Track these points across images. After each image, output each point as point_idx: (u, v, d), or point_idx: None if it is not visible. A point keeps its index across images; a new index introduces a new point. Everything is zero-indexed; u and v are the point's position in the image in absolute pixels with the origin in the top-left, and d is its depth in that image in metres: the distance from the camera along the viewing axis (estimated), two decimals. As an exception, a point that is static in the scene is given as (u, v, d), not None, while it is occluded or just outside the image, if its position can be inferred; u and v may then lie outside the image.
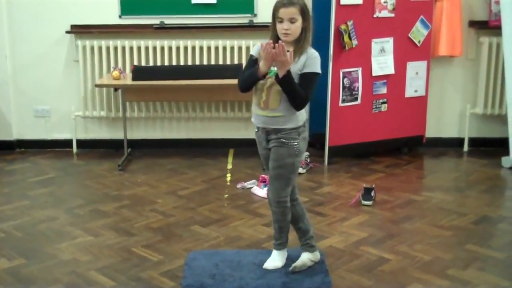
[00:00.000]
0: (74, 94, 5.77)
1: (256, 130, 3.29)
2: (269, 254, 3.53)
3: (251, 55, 3.23)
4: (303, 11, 3.07)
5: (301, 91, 3.06)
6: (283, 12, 3.04)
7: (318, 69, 3.12)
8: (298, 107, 3.12)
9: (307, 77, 3.09)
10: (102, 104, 5.77)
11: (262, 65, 3.05)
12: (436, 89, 5.75)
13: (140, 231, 3.99)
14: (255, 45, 3.23)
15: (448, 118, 5.86)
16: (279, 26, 3.08)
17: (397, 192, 4.67)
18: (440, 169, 5.35)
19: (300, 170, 5.12)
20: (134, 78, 5.18)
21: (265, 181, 4.44)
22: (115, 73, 5.25)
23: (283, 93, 3.08)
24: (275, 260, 3.40)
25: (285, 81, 3.02)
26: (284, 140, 3.17)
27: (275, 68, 3.05)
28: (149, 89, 5.26)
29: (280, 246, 3.41)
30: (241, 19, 5.51)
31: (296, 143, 3.18)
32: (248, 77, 3.17)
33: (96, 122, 5.89)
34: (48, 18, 5.63)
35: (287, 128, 3.16)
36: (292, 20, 3.05)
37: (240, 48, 5.58)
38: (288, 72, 3.01)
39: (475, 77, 5.74)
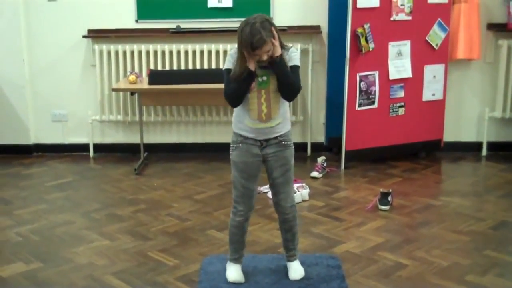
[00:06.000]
0: (91, 98, 5.80)
1: (242, 138, 3.19)
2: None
3: (228, 69, 3.11)
4: (272, 36, 2.99)
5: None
6: (258, 53, 2.98)
7: (299, 63, 3.16)
8: (291, 94, 3.13)
9: (292, 70, 3.11)
10: (118, 108, 5.79)
11: (251, 65, 3.02)
12: (454, 92, 5.70)
13: (156, 235, 3.99)
14: (227, 61, 3.13)
15: (466, 122, 5.81)
16: (257, 58, 3.01)
17: (414, 197, 4.63)
18: (458, 174, 5.31)
19: (317, 174, 5.11)
20: (150, 82, 5.19)
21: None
22: (132, 77, 5.27)
23: (279, 96, 3.11)
24: (300, 268, 3.34)
25: (281, 61, 3.02)
26: (284, 142, 3.19)
27: (264, 77, 3.08)
28: (165, 93, 5.27)
29: (296, 253, 3.37)
30: (257, 23, 5.51)
31: (292, 144, 3.24)
32: (241, 83, 3.05)
33: (113, 126, 5.91)
34: (65, 23, 5.67)
35: (285, 131, 3.20)
36: (268, 52, 3.01)
37: (256, 52, 5.57)
38: (281, 54, 3.03)
39: (494, 80, 5.68)
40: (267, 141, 3.18)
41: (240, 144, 3.20)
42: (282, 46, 3.08)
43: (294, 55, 3.13)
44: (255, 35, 2.93)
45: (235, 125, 3.23)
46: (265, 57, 3.01)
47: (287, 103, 3.20)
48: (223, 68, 3.18)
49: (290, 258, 3.36)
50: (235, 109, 3.21)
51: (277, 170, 3.20)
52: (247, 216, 3.28)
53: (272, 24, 3.02)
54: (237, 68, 3.05)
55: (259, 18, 3.00)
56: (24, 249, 3.80)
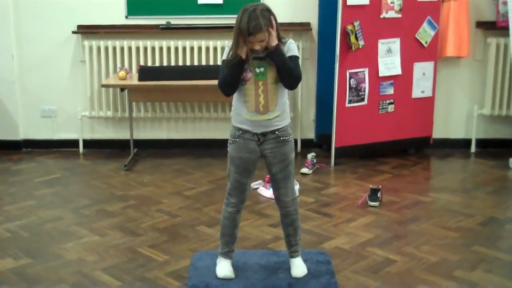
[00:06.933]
0: (81, 94, 5.78)
1: (240, 132, 3.18)
2: (275, 254, 3.54)
3: (224, 60, 3.12)
4: (269, 25, 2.98)
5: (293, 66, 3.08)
6: (252, 40, 2.97)
7: (298, 54, 3.15)
8: (292, 81, 3.10)
9: (292, 60, 3.09)
10: (108, 104, 5.77)
11: (242, 52, 3.00)
12: (443, 90, 5.72)
13: (146, 231, 3.98)
14: (224, 52, 3.12)
15: (455, 119, 5.84)
16: (250, 45, 3.00)
17: (403, 193, 4.65)
18: (447, 170, 5.33)
19: (306, 171, 5.12)
20: (140, 78, 5.18)
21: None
22: (122, 73, 5.25)
23: (277, 88, 3.09)
24: (302, 265, 3.33)
25: (277, 50, 3.00)
26: (283, 138, 3.17)
27: (262, 69, 3.07)
28: (155, 89, 5.26)
29: (299, 248, 3.37)
30: (247, 19, 5.50)
31: (292, 138, 3.23)
32: (231, 69, 3.05)
33: (103, 122, 5.89)
34: (54, 19, 5.64)
35: (284, 126, 3.18)
36: (261, 42, 3.00)
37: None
38: (278, 44, 3.02)
39: (483, 78, 5.72)
40: (265, 136, 3.16)
41: (237, 139, 3.19)
42: (280, 39, 3.06)
43: (292, 46, 3.12)
44: (252, 21, 2.93)
45: (233, 118, 3.21)
46: (257, 47, 3.00)
47: (286, 96, 3.17)
48: (223, 58, 3.16)
49: (293, 254, 3.35)
50: (234, 102, 3.19)
51: (276, 166, 3.19)
52: (239, 208, 3.28)
53: (271, 14, 3.02)
54: (230, 54, 3.05)
55: (261, 6, 3.00)
56: (13, 245, 3.79)
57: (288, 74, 3.07)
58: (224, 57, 3.12)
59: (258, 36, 2.96)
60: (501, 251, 3.66)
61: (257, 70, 3.08)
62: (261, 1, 5.49)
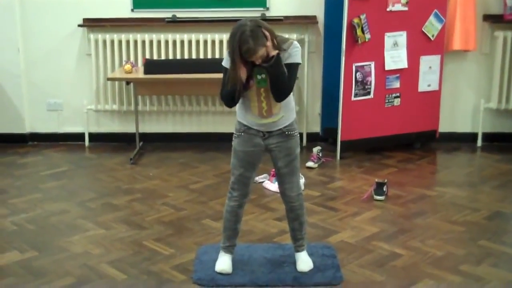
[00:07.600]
0: (87, 88, 5.78)
1: (245, 127, 3.16)
2: (280, 248, 3.54)
3: (226, 68, 3.06)
4: (264, 40, 2.92)
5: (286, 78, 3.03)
6: (251, 59, 2.94)
7: (300, 60, 3.09)
8: (282, 95, 3.05)
9: (290, 67, 3.03)
10: (114, 98, 5.77)
11: (242, 74, 2.98)
12: (450, 83, 5.70)
13: (151, 224, 3.99)
14: (225, 59, 3.07)
15: (461, 113, 5.81)
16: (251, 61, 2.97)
17: (409, 187, 4.64)
18: (453, 164, 5.31)
19: (312, 164, 5.11)
20: (146, 72, 5.18)
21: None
22: (127, 66, 5.25)
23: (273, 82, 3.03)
24: (308, 259, 3.33)
25: (275, 62, 2.94)
26: (288, 132, 3.16)
27: (263, 75, 3.04)
28: (161, 83, 5.26)
29: (304, 242, 3.36)
30: (253, 12, 5.47)
31: (297, 133, 3.21)
32: (232, 91, 3.02)
33: (108, 116, 5.90)
34: (60, 12, 5.64)
35: (289, 123, 3.17)
36: (261, 57, 2.96)
37: (252, 42, 5.55)
38: (278, 54, 2.97)
39: (489, 71, 5.69)
40: (270, 133, 3.16)
41: (242, 133, 3.19)
42: (279, 47, 2.98)
43: (294, 51, 3.04)
44: (244, 45, 2.88)
45: (239, 115, 3.20)
46: (259, 61, 2.96)
47: (291, 96, 3.14)
48: (222, 63, 3.10)
49: (298, 249, 3.35)
50: (238, 103, 3.16)
51: (282, 160, 3.19)
52: (241, 203, 3.27)
53: (262, 27, 2.94)
54: (230, 74, 2.99)
55: (249, 25, 2.92)
56: (19, 238, 3.80)
57: (278, 88, 3.02)
58: (224, 63, 3.06)
59: (255, 57, 2.93)
60: (507, 246, 3.65)
61: (258, 77, 3.06)
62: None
